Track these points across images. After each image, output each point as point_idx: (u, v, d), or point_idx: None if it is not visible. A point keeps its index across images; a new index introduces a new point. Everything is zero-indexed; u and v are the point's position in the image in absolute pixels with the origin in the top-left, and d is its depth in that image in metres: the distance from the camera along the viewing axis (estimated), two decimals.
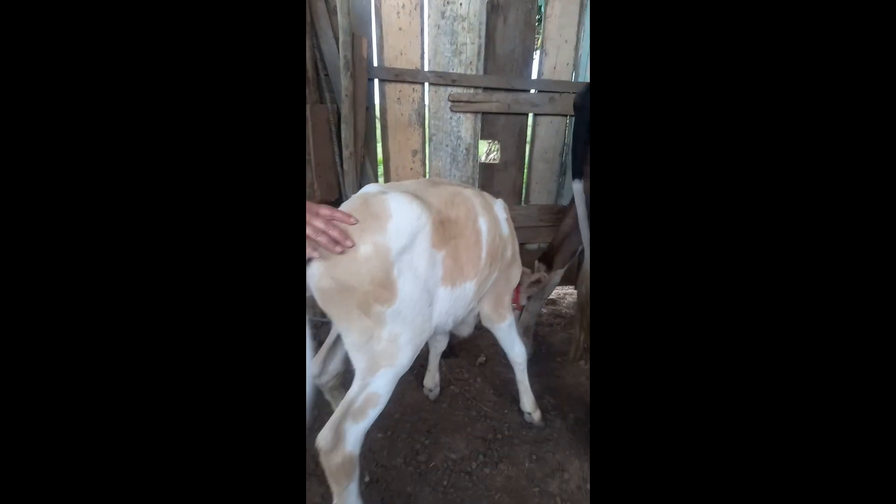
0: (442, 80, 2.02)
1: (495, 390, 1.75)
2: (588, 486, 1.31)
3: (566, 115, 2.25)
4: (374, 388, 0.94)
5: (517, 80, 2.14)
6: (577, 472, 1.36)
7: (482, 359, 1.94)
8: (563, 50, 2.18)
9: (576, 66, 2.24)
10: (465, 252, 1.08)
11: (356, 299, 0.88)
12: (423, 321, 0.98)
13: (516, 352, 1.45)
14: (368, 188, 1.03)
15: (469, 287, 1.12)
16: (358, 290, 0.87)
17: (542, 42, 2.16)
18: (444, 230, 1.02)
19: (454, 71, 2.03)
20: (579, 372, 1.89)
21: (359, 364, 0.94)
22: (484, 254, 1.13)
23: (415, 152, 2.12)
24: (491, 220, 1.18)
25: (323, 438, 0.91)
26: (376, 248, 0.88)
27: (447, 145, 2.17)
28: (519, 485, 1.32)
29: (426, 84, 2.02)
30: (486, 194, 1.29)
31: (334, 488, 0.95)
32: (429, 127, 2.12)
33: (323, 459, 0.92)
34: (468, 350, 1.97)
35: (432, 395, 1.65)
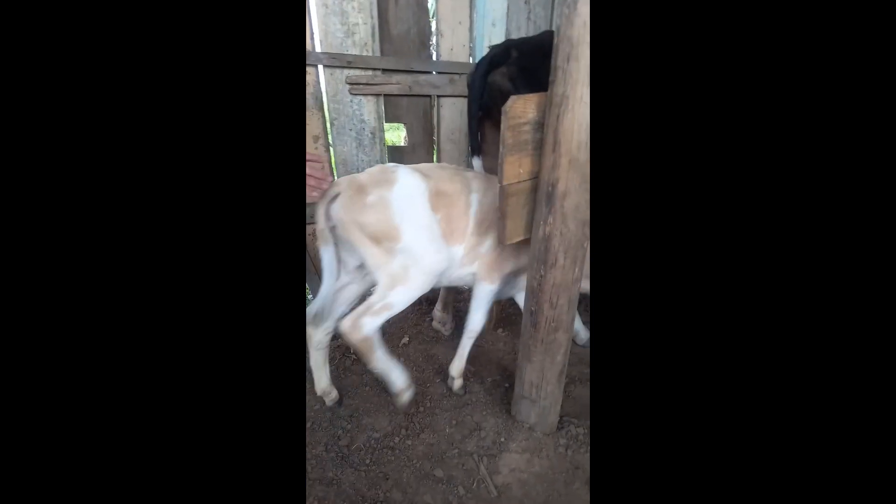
0: (337, 61, 1.96)
1: (417, 367, 1.79)
2: (502, 439, 1.40)
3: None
4: (391, 299, 1.28)
5: (415, 61, 2.14)
6: (492, 428, 1.46)
7: (405, 340, 1.97)
8: (457, 32, 2.23)
9: (472, 48, 2.30)
10: (455, 219, 1.37)
11: (367, 232, 1.25)
12: (432, 261, 1.30)
13: (476, 318, 1.57)
14: (390, 165, 1.39)
15: (458, 250, 1.41)
16: (367, 225, 1.25)
17: (437, 24, 2.19)
18: (439, 199, 1.34)
19: (349, 52, 1.99)
20: (496, 339, 2.01)
21: (380, 280, 1.29)
22: (471, 223, 1.40)
23: (316, 138, 2.05)
24: (487, 197, 1.41)
25: (344, 325, 1.29)
26: (381, 198, 1.25)
27: (351, 129, 2.13)
28: (439, 449, 1.38)
29: (320, 66, 1.95)
30: (494, 178, 1.45)
31: (365, 359, 1.36)
32: (328, 111, 2.06)
33: (345, 339, 1.30)
34: (392, 333, 1.98)
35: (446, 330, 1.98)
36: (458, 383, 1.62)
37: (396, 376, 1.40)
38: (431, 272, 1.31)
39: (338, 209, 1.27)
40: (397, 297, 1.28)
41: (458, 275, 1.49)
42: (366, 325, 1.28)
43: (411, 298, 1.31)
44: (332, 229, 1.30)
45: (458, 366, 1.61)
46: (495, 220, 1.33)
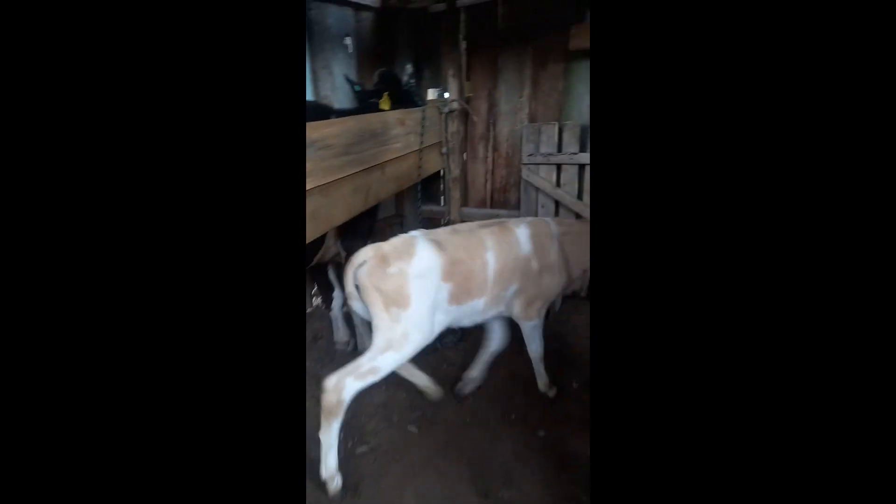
0: None
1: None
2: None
3: None
4: (378, 363, 1.46)
5: None
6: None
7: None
8: None
9: None
10: (471, 279, 1.61)
11: (383, 299, 1.46)
12: (427, 327, 1.53)
13: (534, 348, 1.90)
14: (413, 233, 1.64)
15: (478, 302, 1.68)
16: (384, 292, 1.46)
17: None
18: (454, 268, 1.57)
19: None
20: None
21: (376, 342, 1.47)
22: (490, 277, 1.65)
23: None
24: (503, 249, 1.68)
25: (329, 381, 1.41)
26: (400, 270, 1.47)
27: None
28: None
29: None
30: (509, 227, 1.78)
31: (323, 421, 1.42)
32: None
33: (323, 397, 1.41)
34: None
35: (466, 390, 1.98)
36: (552, 392, 1.94)
37: (331, 459, 1.43)
38: (425, 336, 1.52)
39: (363, 275, 1.49)
40: (385, 361, 1.45)
41: (483, 317, 1.77)
42: (347, 387, 1.40)
43: (397, 363, 1.51)
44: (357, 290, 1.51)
45: (542, 383, 1.94)
46: (515, 269, 1.68)
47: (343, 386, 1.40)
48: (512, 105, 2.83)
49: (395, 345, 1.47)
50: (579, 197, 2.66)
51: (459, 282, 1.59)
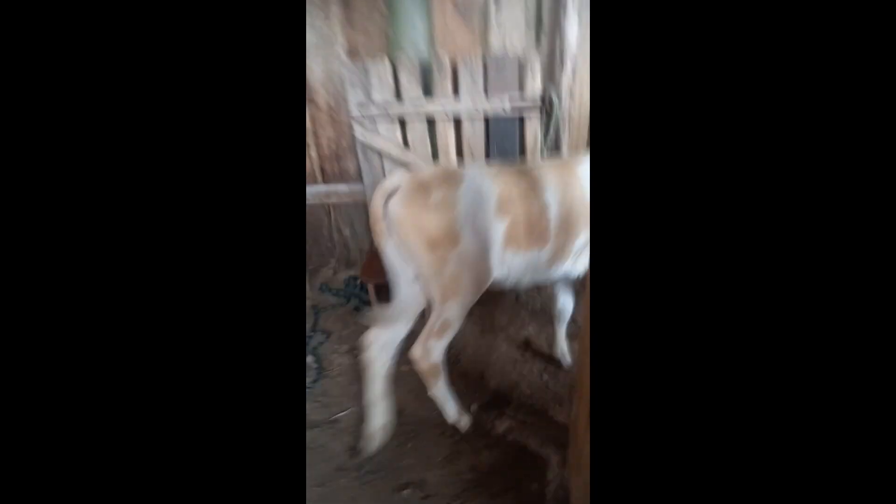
0: None
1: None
2: None
3: None
4: (446, 315, 1.27)
5: None
6: None
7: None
8: None
9: None
10: (530, 224, 1.29)
11: (424, 236, 1.19)
12: (481, 270, 1.26)
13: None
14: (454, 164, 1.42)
15: (539, 253, 1.35)
16: (426, 228, 1.18)
17: None
18: (506, 204, 1.26)
19: None
20: None
21: (433, 294, 1.27)
22: (552, 224, 1.32)
23: None
24: (567, 188, 1.33)
25: (415, 352, 1.33)
26: (446, 199, 1.19)
27: None
28: None
29: None
30: (570, 165, 1.40)
31: (430, 383, 1.40)
32: None
33: (416, 366, 1.36)
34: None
35: (564, 362, 1.78)
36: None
37: (450, 410, 1.46)
38: (481, 283, 1.28)
39: (396, 206, 1.19)
40: (452, 311, 1.27)
41: (547, 276, 1.45)
42: (433, 350, 1.31)
43: (466, 308, 1.30)
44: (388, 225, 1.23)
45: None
46: (581, 216, 1.33)
47: (429, 350, 1.32)
48: (319, 33, 1.97)
49: (450, 292, 1.25)
50: (435, 157, 2.10)
51: (515, 221, 1.28)
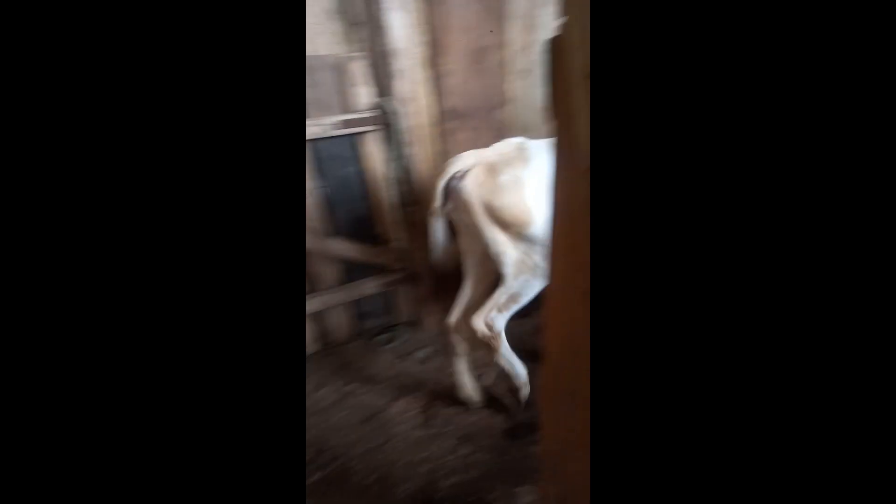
0: None
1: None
2: None
3: None
4: (516, 289, 1.30)
5: None
6: None
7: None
8: None
9: None
10: None
11: (495, 216, 1.22)
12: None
13: None
14: (517, 140, 1.30)
15: None
16: (498, 209, 1.20)
17: None
18: None
19: None
20: None
21: (506, 269, 1.28)
22: None
23: None
24: None
25: (477, 323, 1.36)
26: (516, 178, 1.19)
27: None
28: None
29: None
30: None
31: (494, 353, 1.42)
32: None
33: (480, 337, 1.38)
34: None
35: None
36: None
37: (519, 370, 1.45)
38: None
39: (467, 189, 1.21)
40: (523, 287, 1.28)
41: None
42: (497, 322, 1.33)
43: (538, 286, 1.27)
44: (447, 210, 1.28)
45: None
46: None
47: (491, 322, 1.33)
48: None
49: (525, 269, 1.26)
50: None
51: None
